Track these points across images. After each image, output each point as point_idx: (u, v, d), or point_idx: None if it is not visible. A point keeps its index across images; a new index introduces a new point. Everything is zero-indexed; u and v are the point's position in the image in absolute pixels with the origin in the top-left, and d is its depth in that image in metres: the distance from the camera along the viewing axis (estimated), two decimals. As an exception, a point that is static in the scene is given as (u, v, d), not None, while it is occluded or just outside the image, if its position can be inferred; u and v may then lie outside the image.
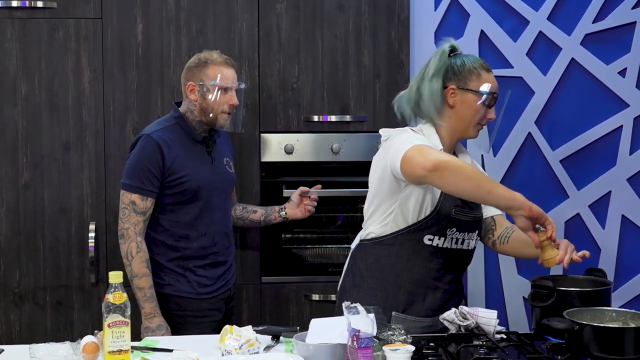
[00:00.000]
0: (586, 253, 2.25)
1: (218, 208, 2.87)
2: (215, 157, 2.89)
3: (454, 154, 2.49)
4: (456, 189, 2.17)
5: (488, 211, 2.53)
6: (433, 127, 2.42)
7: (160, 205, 2.80)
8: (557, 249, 2.20)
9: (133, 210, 2.74)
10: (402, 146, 2.24)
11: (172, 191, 2.78)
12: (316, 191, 3.18)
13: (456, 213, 2.35)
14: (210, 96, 2.79)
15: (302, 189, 3.16)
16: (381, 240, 2.40)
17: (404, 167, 2.22)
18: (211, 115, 2.80)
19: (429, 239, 2.36)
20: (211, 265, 2.86)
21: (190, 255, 2.81)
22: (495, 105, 2.42)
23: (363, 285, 2.42)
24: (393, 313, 2.36)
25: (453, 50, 2.45)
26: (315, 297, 3.32)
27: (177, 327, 2.80)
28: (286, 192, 3.22)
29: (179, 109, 2.87)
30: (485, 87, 2.38)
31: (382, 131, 2.43)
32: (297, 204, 3.16)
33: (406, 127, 2.43)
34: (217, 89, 2.79)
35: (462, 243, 2.41)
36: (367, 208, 2.45)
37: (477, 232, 2.46)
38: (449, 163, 2.14)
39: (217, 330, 2.43)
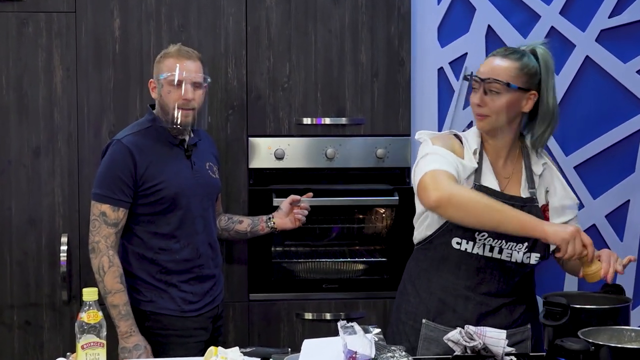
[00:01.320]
0: (632, 258, 2.32)
1: (200, 216, 2.87)
2: (196, 161, 2.89)
3: (526, 156, 2.52)
4: (462, 223, 2.33)
5: None
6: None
7: (136, 216, 2.79)
8: (600, 260, 2.25)
9: (104, 222, 2.73)
10: (420, 169, 2.37)
11: (147, 200, 2.77)
12: (308, 200, 3.18)
13: None
14: (163, 92, 2.80)
15: (292, 197, 3.16)
16: (421, 245, 2.54)
17: (418, 195, 2.37)
18: (168, 112, 2.80)
19: (457, 242, 2.43)
20: (196, 279, 2.85)
21: (173, 268, 2.81)
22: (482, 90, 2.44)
23: (404, 291, 2.58)
24: (423, 321, 2.48)
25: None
26: (308, 315, 3.32)
27: (160, 348, 2.78)
28: (276, 201, 3.21)
29: (154, 110, 2.87)
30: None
31: (417, 135, 2.56)
32: (287, 213, 3.16)
33: (437, 134, 2.54)
34: (167, 82, 2.79)
35: (501, 253, 2.43)
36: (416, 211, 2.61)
37: (526, 244, 2.43)
38: (451, 200, 2.26)
39: (203, 352, 2.41)
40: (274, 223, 3.14)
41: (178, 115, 2.78)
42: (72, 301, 3.21)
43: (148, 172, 2.76)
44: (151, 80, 2.87)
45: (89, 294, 2.00)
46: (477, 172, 2.44)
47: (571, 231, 2.19)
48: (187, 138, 2.88)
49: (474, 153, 2.45)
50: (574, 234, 2.19)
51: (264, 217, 3.16)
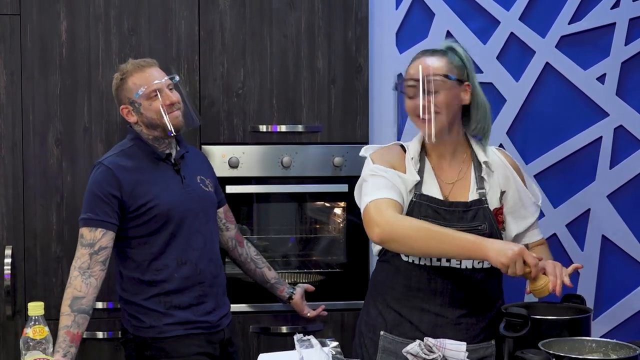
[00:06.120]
0: (578, 266, 2.34)
1: (197, 231, 2.82)
2: (186, 175, 2.86)
3: (475, 158, 2.54)
4: (408, 254, 2.45)
5: (526, 238, 2.58)
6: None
7: (129, 239, 2.75)
8: (545, 273, 2.26)
9: (80, 244, 2.68)
10: (363, 199, 2.46)
11: (140, 221, 2.73)
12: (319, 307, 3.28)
13: None
14: (144, 109, 2.77)
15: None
16: (379, 257, 2.60)
17: (364, 225, 2.43)
18: (158, 125, 2.78)
19: (405, 255, 2.48)
20: (198, 298, 2.80)
21: (172, 289, 2.76)
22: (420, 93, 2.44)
23: (365, 302, 2.65)
24: (381, 332, 2.51)
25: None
26: (264, 329, 3.32)
27: None
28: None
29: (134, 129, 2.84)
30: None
31: (362, 151, 2.63)
32: (302, 295, 3.23)
33: (379, 149, 2.59)
34: (144, 97, 2.76)
35: (449, 260, 2.45)
36: None
37: None
38: (392, 235, 2.34)
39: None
40: (293, 294, 3.20)
41: (174, 117, 2.77)
42: (17, 316, 3.16)
43: (136, 191, 2.72)
44: (123, 106, 2.81)
45: (35, 309, 1.98)
46: (419, 181, 2.48)
47: (512, 254, 2.18)
48: (173, 152, 2.85)
49: (413, 160, 2.49)
50: (515, 258, 2.18)
51: (287, 284, 3.22)
